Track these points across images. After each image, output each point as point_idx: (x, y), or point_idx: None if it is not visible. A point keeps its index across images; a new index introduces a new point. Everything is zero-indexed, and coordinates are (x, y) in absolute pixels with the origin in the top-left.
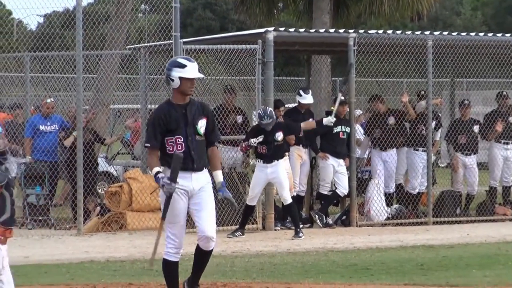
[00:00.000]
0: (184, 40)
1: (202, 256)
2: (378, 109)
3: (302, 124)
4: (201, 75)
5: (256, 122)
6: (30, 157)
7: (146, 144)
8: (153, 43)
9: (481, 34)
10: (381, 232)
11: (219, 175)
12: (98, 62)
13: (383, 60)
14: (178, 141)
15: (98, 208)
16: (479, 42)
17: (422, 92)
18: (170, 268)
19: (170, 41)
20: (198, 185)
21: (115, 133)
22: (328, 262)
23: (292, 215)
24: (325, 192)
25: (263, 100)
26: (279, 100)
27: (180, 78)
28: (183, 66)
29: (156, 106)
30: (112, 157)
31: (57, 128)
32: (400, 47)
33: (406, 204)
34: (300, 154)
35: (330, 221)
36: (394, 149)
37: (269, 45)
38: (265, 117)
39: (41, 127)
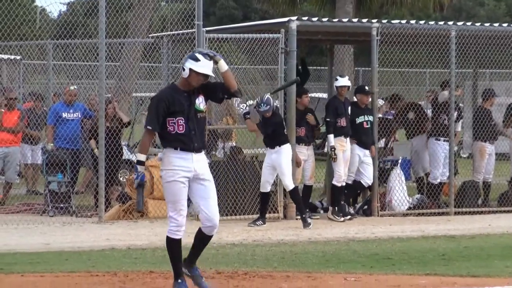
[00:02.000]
0: (207, 29)
1: (204, 240)
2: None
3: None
4: (212, 75)
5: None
6: (52, 144)
7: (148, 127)
8: (176, 32)
9: (505, 24)
10: (402, 222)
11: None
12: (121, 50)
13: (406, 50)
14: (180, 122)
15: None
16: (503, 33)
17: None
18: (173, 246)
19: (193, 30)
20: (199, 167)
21: (137, 121)
22: (349, 252)
23: (295, 201)
24: (349, 182)
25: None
26: (302, 87)
27: (190, 69)
28: (196, 59)
29: None
30: (134, 145)
31: (79, 116)
32: (423, 38)
33: (427, 194)
34: (342, 144)
35: (351, 210)
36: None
37: (292, 34)
38: (262, 104)
39: (64, 115)
